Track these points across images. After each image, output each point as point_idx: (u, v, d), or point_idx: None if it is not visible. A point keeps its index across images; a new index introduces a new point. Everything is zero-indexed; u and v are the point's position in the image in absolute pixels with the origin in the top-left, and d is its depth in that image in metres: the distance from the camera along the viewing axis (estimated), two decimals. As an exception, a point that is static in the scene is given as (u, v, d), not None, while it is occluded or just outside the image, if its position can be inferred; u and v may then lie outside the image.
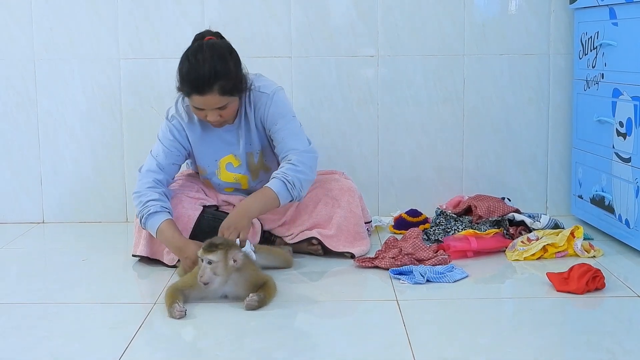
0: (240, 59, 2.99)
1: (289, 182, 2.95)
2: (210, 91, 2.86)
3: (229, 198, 3.20)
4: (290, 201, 3.02)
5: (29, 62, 3.79)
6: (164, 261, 3.07)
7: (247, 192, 3.20)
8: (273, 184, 2.96)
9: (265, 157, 3.18)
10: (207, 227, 2.99)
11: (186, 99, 3.00)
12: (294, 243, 3.19)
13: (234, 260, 2.60)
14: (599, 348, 2.26)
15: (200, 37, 2.99)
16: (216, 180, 3.19)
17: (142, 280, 3.00)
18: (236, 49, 3.07)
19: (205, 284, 2.57)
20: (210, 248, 2.59)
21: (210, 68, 2.86)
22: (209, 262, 2.57)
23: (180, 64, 2.93)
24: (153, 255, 3.09)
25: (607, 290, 2.72)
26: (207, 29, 3.06)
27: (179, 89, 2.96)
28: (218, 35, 3.03)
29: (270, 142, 3.14)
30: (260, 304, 2.58)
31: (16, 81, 3.80)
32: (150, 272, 3.04)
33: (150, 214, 2.94)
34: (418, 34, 3.76)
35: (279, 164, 3.10)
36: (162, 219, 2.94)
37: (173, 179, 3.17)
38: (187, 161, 3.28)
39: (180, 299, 2.57)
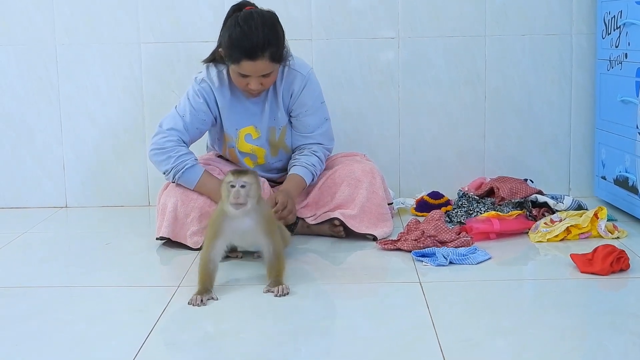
0: None
1: (315, 175, 3.18)
2: (262, 57, 2.92)
3: None
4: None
5: (51, 47, 3.80)
6: (188, 244, 3.08)
7: (266, 169, 3.25)
8: (305, 173, 3.13)
9: (287, 136, 3.22)
10: None
11: (217, 66, 3.11)
12: (316, 224, 3.20)
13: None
14: (624, 329, 2.25)
15: (237, 7, 3.05)
16: (236, 151, 3.23)
17: (165, 263, 3.01)
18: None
19: (242, 204, 2.59)
20: (241, 171, 2.65)
21: (264, 34, 2.93)
22: (242, 186, 2.60)
23: (229, 30, 2.97)
24: (175, 237, 3.09)
25: (631, 272, 2.70)
26: None
27: (226, 55, 3.00)
28: (254, 5, 3.09)
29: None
30: (278, 283, 2.59)
31: (38, 66, 3.82)
32: (173, 256, 3.05)
33: (188, 167, 3.03)
34: (438, 15, 3.74)
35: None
36: (202, 170, 3.05)
37: (192, 143, 3.19)
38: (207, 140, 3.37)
39: (211, 285, 2.58)
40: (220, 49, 3.04)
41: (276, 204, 2.95)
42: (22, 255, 3.14)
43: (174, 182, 3.09)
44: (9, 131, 3.86)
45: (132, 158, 3.87)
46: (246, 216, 2.63)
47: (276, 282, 2.60)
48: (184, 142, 3.10)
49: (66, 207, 3.91)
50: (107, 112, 3.84)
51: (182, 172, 3.03)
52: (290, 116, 3.20)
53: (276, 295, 2.54)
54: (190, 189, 3.07)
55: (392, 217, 3.34)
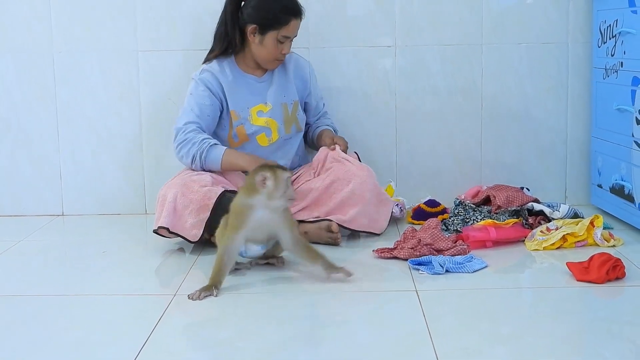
0: None
1: (337, 130, 3.62)
2: (301, 15, 3.32)
3: None
4: None
5: (49, 54, 3.81)
6: (187, 237, 3.08)
7: (276, 148, 3.39)
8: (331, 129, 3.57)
9: (299, 112, 3.46)
10: (226, 206, 3.00)
11: (217, 59, 3.35)
12: (313, 224, 3.21)
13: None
14: (620, 337, 2.25)
15: None
16: (249, 127, 3.35)
17: (161, 271, 3.01)
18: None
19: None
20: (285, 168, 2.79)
21: None
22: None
23: (267, 3, 3.25)
24: (174, 228, 3.07)
25: (627, 280, 2.71)
26: None
27: (269, 23, 3.25)
28: None
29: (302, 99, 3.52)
30: (334, 267, 2.77)
31: (36, 74, 3.82)
32: (169, 264, 3.06)
33: (211, 145, 3.22)
34: (436, 23, 3.75)
35: (306, 125, 3.57)
36: (225, 147, 3.25)
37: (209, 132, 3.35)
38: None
39: (220, 281, 2.67)
40: (252, 26, 3.26)
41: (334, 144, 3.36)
42: (19, 263, 3.14)
43: (202, 168, 3.22)
44: (6, 138, 3.86)
45: (129, 166, 3.87)
46: (273, 216, 2.71)
47: (332, 266, 2.76)
48: (202, 128, 3.27)
49: (63, 215, 3.91)
50: (104, 120, 3.84)
51: (207, 150, 3.19)
52: (305, 98, 3.53)
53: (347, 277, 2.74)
54: (213, 171, 3.22)
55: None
